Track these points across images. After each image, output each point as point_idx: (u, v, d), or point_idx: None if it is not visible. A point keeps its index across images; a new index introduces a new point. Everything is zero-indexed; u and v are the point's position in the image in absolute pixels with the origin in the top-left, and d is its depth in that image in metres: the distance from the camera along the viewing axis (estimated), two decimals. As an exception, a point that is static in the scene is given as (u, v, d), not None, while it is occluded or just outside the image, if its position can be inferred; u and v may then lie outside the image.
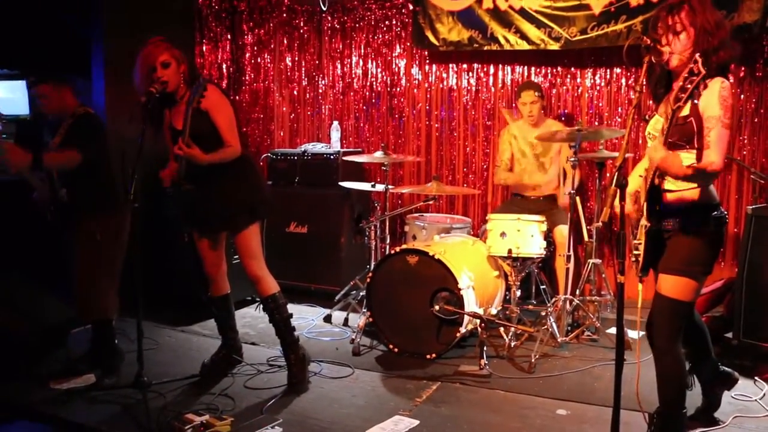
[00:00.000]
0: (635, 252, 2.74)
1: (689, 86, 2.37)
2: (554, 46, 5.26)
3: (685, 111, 2.57)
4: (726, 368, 3.20)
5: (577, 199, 4.48)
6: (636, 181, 2.86)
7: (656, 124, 2.75)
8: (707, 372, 3.12)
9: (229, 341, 3.93)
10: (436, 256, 4.04)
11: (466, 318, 4.00)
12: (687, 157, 2.63)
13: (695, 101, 2.55)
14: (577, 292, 4.61)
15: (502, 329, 4.29)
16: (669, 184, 2.69)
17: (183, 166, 3.41)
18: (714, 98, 2.55)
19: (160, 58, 3.43)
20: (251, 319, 4.84)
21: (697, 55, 2.38)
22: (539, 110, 5.02)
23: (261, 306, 3.79)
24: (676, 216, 2.69)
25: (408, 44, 5.95)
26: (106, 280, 3.76)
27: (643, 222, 2.72)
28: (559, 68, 5.52)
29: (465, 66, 5.82)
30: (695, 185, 2.64)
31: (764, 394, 3.56)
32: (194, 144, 3.34)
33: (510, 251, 4.27)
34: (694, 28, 2.62)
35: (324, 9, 6.01)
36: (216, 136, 3.47)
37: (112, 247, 3.76)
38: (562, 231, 4.67)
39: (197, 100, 3.30)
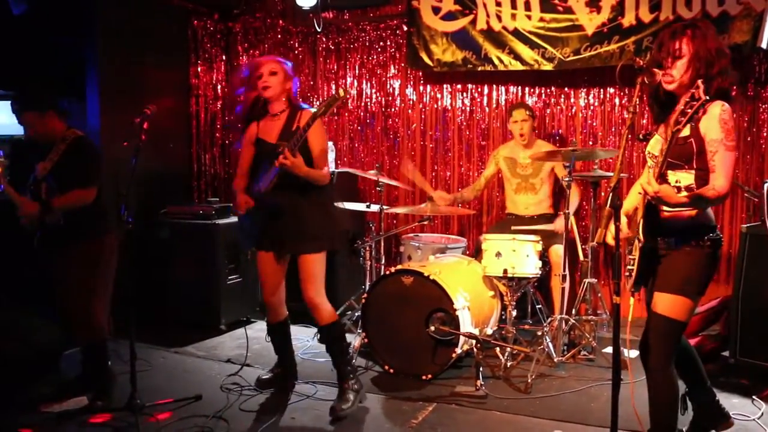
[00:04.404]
0: (629, 267, 2.74)
1: (689, 111, 2.37)
2: (548, 67, 5.29)
3: (685, 132, 2.58)
4: (724, 408, 3.12)
5: (572, 219, 4.48)
6: (634, 198, 2.86)
7: (656, 144, 2.76)
8: (702, 398, 3.07)
9: (286, 362, 3.96)
10: (431, 277, 4.03)
11: (462, 338, 3.98)
12: (685, 177, 2.65)
13: (694, 124, 2.56)
14: (573, 311, 4.60)
15: (498, 349, 4.26)
16: None
17: (277, 178, 3.41)
18: (714, 122, 2.57)
19: (269, 67, 3.50)
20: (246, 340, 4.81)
21: (699, 81, 2.38)
22: (530, 129, 5.03)
23: (318, 335, 3.73)
24: (672, 234, 2.70)
25: (402, 65, 5.98)
26: (101, 301, 3.73)
27: (639, 238, 2.72)
28: (552, 88, 5.56)
29: (459, 86, 5.85)
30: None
31: (762, 414, 3.54)
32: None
33: (505, 271, 4.27)
34: (694, 55, 2.64)
35: (319, 30, 6.04)
36: (306, 160, 3.43)
37: (106, 269, 3.74)
38: (558, 251, 4.67)
39: (318, 114, 3.26)
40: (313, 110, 3.30)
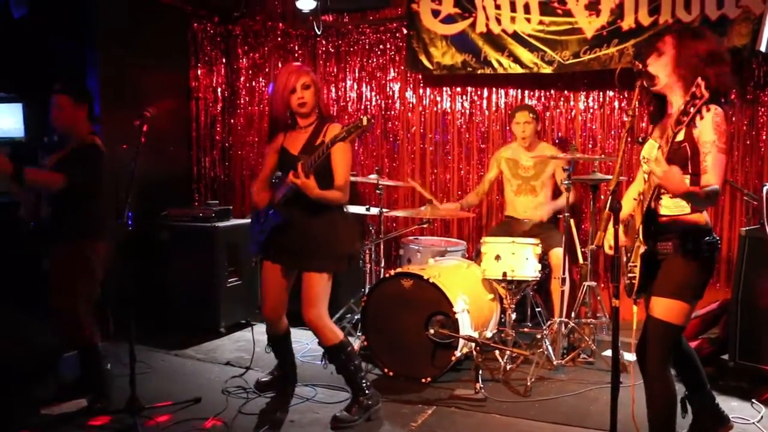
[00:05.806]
0: (630, 275, 2.74)
1: (692, 109, 2.37)
2: (547, 70, 5.29)
3: (680, 136, 2.58)
4: (723, 411, 3.15)
5: (572, 222, 4.48)
6: (629, 204, 2.86)
7: (651, 149, 2.76)
8: (702, 401, 3.08)
9: (286, 366, 3.95)
10: (430, 280, 4.03)
11: (461, 341, 3.98)
12: None
13: (693, 127, 2.57)
14: (573, 314, 4.59)
15: (497, 352, 4.26)
16: (664, 208, 2.72)
17: (290, 192, 3.38)
18: (707, 124, 2.58)
19: (301, 80, 3.42)
20: (246, 342, 4.81)
21: (699, 79, 2.38)
22: (533, 132, 5.03)
23: (324, 359, 3.67)
24: (670, 239, 2.71)
25: (402, 68, 5.98)
26: (82, 306, 3.66)
27: (638, 245, 2.72)
28: (552, 91, 5.57)
29: (459, 89, 5.85)
30: (689, 210, 2.66)
31: (762, 417, 3.54)
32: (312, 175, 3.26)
33: (505, 274, 4.26)
34: (677, 57, 2.65)
35: (318, 33, 6.04)
36: (326, 177, 3.38)
37: (91, 275, 3.70)
38: (558, 254, 4.67)
39: (338, 138, 3.14)
40: (338, 132, 3.16)
